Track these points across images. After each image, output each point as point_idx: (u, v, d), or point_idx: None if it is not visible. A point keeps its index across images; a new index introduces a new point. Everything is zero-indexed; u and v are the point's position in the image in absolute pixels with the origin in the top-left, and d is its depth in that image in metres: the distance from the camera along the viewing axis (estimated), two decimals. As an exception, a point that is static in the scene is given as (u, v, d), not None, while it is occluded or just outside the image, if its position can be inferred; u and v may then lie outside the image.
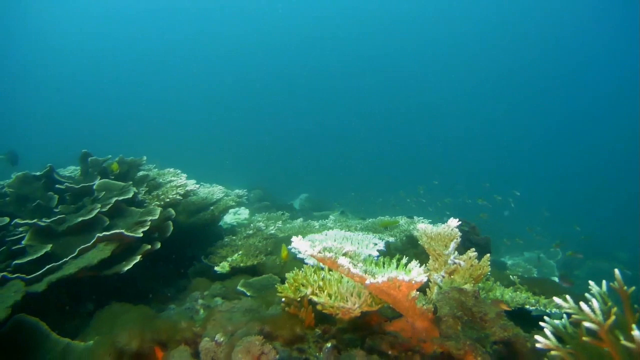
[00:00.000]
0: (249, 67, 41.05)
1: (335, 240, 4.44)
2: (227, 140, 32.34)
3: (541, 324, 1.95)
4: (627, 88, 30.13)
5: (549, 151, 34.98)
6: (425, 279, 1.97)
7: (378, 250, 4.20)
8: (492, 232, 6.38)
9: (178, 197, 4.56)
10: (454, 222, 3.04)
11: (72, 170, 6.60)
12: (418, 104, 39.68)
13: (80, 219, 3.49)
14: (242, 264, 4.09)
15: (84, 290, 3.34)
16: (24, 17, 34.00)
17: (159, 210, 3.72)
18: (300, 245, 2.19)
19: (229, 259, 4.31)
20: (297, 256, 4.04)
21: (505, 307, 2.52)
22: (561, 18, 31.45)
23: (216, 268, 4.14)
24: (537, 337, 1.78)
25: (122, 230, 3.23)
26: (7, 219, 3.76)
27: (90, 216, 3.53)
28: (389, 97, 39.60)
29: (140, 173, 5.07)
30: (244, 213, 8.43)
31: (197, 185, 5.98)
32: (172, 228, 3.93)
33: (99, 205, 3.68)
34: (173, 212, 4.15)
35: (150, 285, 4.00)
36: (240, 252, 4.47)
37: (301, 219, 7.21)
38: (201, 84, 41.85)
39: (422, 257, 4.49)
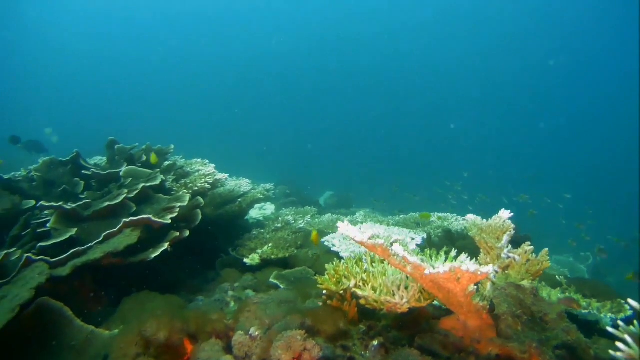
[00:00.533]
0: (275, 65, 41.06)
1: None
2: (253, 137, 32.26)
3: (610, 330, 1.71)
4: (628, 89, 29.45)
5: (558, 151, 34.37)
6: (491, 270, 1.75)
7: (417, 245, 3.98)
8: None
9: (207, 185, 4.39)
10: (505, 214, 2.80)
11: (98, 159, 6.50)
12: (434, 103, 39.36)
13: (107, 203, 3.33)
14: (273, 256, 3.90)
15: (109, 277, 3.18)
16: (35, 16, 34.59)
17: (187, 196, 3.55)
18: (349, 230, 1.97)
19: (259, 251, 4.13)
20: (332, 249, 3.84)
21: (577, 307, 2.27)
22: (562, 19, 31.12)
23: (245, 260, 3.96)
24: (619, 344, 1.55)
25: (150, 216, 3.05)
26: (32, 202, 3.64)
27: (117, 201, 3.37)
28: (413, 95, 39.36)
29: (167, 162, 4.92)
30: (269, 208, 8.23)
31: (226, 175, 5.82)
32: (200, 217, 3.75)
33: (126, 191, 3.52)
34: (202, 200, 3.98)
35: (177, 275, 3.82)
36: (270, 245, 4.27)
37: (330, 214, 7.00)
38: (228, 81, 42.04)
39: (460, 250, 4.25)
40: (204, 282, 3.90)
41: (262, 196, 5.96)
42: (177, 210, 3.28)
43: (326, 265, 2.49)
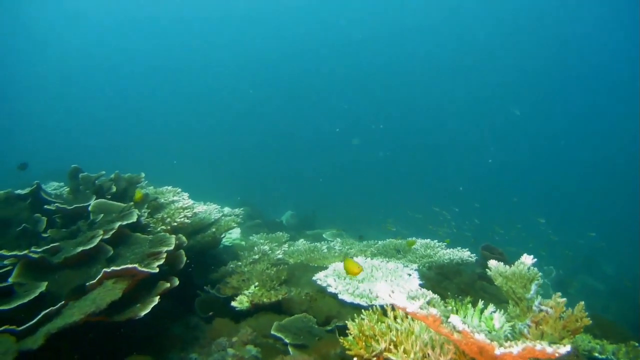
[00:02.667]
0: (232, 73, 40.34)
1: (363, 270, 3.92)
2: (206, 153, 31.28)
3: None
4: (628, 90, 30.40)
5: (551, 155, 35.09)
6: (569, 350, 1.48)
7: (419, 284, 3.69)
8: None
9: (186, 220, 3.96)
10: (528, 260, 2.55)
11: (55, 186, 5.92)
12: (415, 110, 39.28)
13: (80, 248, 2.85)
14: (265, 299, 3.50)
15: (85, 335, 2.70)
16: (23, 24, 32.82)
17: (173, 239, 3.11)
18: (397, 299, 1.66)
19: (246, 292, 3.73)
20: (328, 290, 3.50)
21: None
22: (563, 20, 31.46)
23: (234, 304, 3.55)
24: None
25: (135, 265, 2.61)
26: (-12, 251, 3.09)
27: (92, 245, 2.90)
28: (387, 101, 39.11)
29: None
30: (235, 232, 7.80)
31: (204, 207, 5.39)
32: (185, 259, 3.32)
33: (101, 232, 3.05)
34: (184, 239, 3.55)
35: (158, 323, 3.36)
36: (256, 284, 3.88)
37: (303, 240, 6.65)
38: (181, 90, 40.96)
39: (462, 291, 4.00)
40: (185, 329, 3.45)
41: (235, 225, 5.57)
42: (164, 256, 2.85)
43: (349, 323, 2.17)
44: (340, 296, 3.31)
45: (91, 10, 34.49)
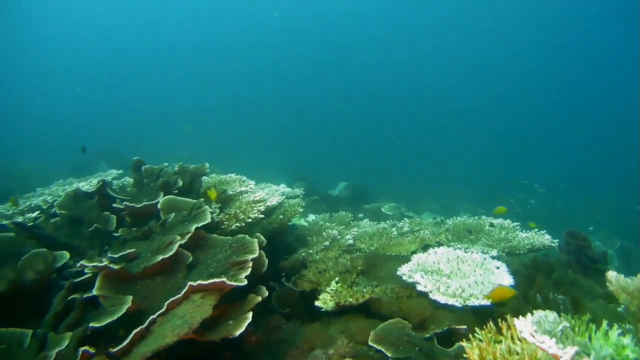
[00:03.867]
0: (275, 57, 40.10)
1: (448, 262, 3.62)
2: (254, 129, 31.33)
3: None
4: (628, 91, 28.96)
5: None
6: None
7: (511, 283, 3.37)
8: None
9: (260, 215, 3.73)
10: None
11: (114, 175, 5.81)
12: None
13: (160, 257, 2.66)
14: (351, 300, 3.26)
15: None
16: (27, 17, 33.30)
17: (256, 243, 2.89)
18: (545, 343, 1.39)
19: (329, 289, 3.49)
20: (417, 288, 3.22)
21: None
22: (562, 19, 30.49)
23: (318, 304, 3.32)
24: None
25: (224, 279, 2.39)
26: (66, 255, 2.95)
27: (171, 253, 2.71)
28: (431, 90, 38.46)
29: (206, 184, 4.26)
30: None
31: (264, 191, 5.19)
32: (266, 261, 3.10)
33: (178, 237, 2.85)
34: (263, 238, 3.33)
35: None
36: (337, 280, 3.63)
37: (367, 220, 6.39)
38: (232, 76, 41.00)
39: (557, 288, 3.65)
40: (267, 331, 3.25)
41: (301, 209, 5.33)
42: (250, 265, 2.63)
43: (466, 347, 1.91)
44: (432, 296, 3.02)
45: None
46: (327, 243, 4.80)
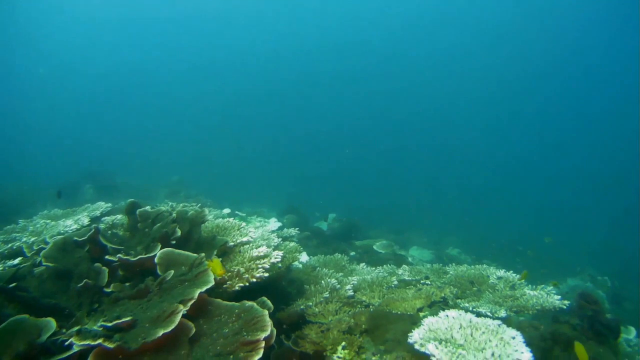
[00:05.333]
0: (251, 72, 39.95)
1: (461, 329, 3.34)
2: (243, 155, 30.89)
3: None
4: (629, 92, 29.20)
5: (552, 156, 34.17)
6: None
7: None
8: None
9: (265, 274, 3.40)
10: None
11: (102, 208, 5.45)
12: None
13: (161, 331, 2.32)
14: (361, 373, 2.94)
15: None
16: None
17: (267, 317, 2.56)
18: None
19: (335, 356, 3.17)
20: (421, 350, 2.91)
21: None
22: (561, 20, 30.58)
23: (325, 377, 2.99)
24: None
25: (235, 367, 2.06)
26: (52, 325, 2.57)
27: (173, 326, 2.36)
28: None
29: (207, 230, 3.93)
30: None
31: (258, 231, 4.87)
32: (275, 332, 2.76)
33: (180, 306, 2.51)
34: (270, 304, 3.00)
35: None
36: (343, 345, 3.31)
37: (364, 264, 6.12)
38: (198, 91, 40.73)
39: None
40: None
41: (299, 255, 5.03)
42: (262, 345, 2.30)
43: None
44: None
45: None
46: (326, 294, 4.48)
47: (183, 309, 2.49)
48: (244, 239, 4.00)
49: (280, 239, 5.37)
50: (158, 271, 3.08)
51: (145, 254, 3.23)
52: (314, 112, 40.58)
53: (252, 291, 3.47)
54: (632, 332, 6.05)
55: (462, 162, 34.07)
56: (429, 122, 39.53)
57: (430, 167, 33.80)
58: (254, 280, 3.27)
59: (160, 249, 3.30)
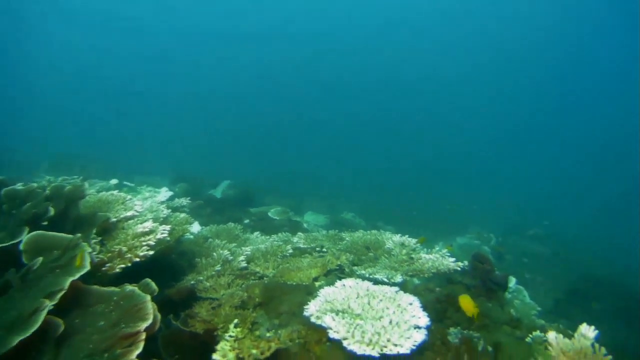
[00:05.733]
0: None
1: (359, 298, 3.37)
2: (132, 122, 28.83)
3: None
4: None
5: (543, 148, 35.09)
6: None
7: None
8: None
9: (150, 252, 3.14)
10: (590, 332, 2.10)
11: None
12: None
13: (18, 338, 2.00)
14: (255, 352, 2.83)
15: None
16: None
17: (149, 303, 2.34)
18: None
19: (227, 335, 3.03)
20: (330, 335, 2.89)
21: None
22: (560, 18, 30.71)
23: (216, 357, 2.84)
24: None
25: (110, 368, 1.85)
26: None
27: (34, 328, 2.06)
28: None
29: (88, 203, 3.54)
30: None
31: (146, 203, 4.56)
32: (159, 317, 2.54)
33: (47, 302, 2.20)
34: (154, 287, 2.77)
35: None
36: (235, 322, 3.18)
37: (258, 233, 6.00)
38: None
39: (471, 322, 3.55)
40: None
41: (189, 226, 4.79)
42: (143, 337, 2.09)
43: None
44: (346, 345, 2.71)
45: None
46: (218, 267, 4.32)
47: (49, 304, 2.20)
48: (129, 214, 3.68)
49: (170, 210, 5.10)
50: (23, 259, 2.71)
51: (8, 242, 2.81)
52: (207, 75, 38.72)
53: (137, 272, 3.21)
54: (512, 281, 6.66)
55: (358, 130, 34.55)
56: (326, 91, 39.42)
57: (327, 134, 34.03)
58: (138, 259, 3.01)
59: (29, 232, 2.90)
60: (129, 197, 4.03)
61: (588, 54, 32.51)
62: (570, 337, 3.72)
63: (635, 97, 28.11)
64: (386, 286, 3.51)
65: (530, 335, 2.99)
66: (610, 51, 30.74)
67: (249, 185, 11.09)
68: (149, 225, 3.42)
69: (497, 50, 35.14)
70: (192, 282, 4.03)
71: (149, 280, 2.81)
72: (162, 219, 4.63)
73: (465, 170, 27.86)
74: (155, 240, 3.28)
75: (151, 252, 3.16)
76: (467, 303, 3.19)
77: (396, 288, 3.49)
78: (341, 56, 37.41)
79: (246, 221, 7.94)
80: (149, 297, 2.38)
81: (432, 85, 38.88)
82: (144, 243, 3.16)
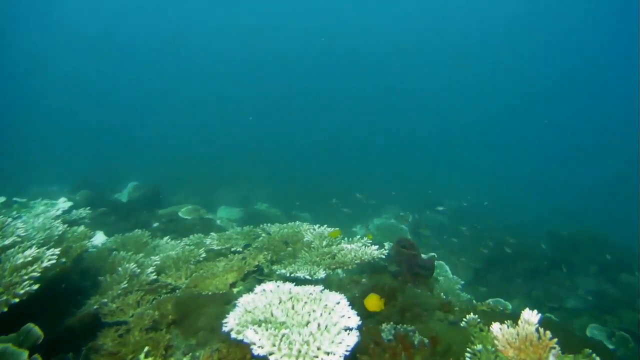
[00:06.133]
0: None
1: (281, 303, 3.15)
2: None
3: None
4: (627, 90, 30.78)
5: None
6: None
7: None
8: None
9: (34, 287, 2.67)
10: (533, 317, 2.04)
11: None
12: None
13: None
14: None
15: None
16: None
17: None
18: None
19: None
20: (253, 352, 2.63)
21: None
22: (559, 18, 30.69)
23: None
24: None
25: None
26: None
27: None
28: None
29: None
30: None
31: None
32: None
33: None
34: (39, 332, 2.35)
35: None
36: (146, 350, 2.83)
37: (168, 238, 5.56)
38: None
39: (402, 314, 3.45)
40: None
41: (89, 242, 4.31)
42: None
43: None
44: (274, 360, 2.47)
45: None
46: (124, 284, 3.90)
47: None
48: (7, 242, 3.15)
49: (66, 225, 4.56)
50: None
51: None
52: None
53: (22, 313, 2.73)
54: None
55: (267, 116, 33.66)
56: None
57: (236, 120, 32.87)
58: (17, 300, 2.54)
59: None
60: (9, 220, 3.48)
61: (583, 44, 33.18)
62: (500, 313, 3.75)
63: (635, 97, 29.05)
64: (310, 286, 3.30)
65: (464, 319, 2.93)
66: (607, 44, 31.61)
67: (157, 184, 10.35)
68: (31, 252, 2.92)
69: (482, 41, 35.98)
70: (95, 306, 3.59)
71: (31, 325, 2.37)
72: (57, 237, 4.12)
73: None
74: (41, 270, 2.81)
75: (36, 286, 2.68)
76: (372, 305, 3.16)
77: (321, 286, 3.29)
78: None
79: (155, 224, 7.44)
80: (25, 353, 1.97)
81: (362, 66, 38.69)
82: (26, 277, 2.68)
